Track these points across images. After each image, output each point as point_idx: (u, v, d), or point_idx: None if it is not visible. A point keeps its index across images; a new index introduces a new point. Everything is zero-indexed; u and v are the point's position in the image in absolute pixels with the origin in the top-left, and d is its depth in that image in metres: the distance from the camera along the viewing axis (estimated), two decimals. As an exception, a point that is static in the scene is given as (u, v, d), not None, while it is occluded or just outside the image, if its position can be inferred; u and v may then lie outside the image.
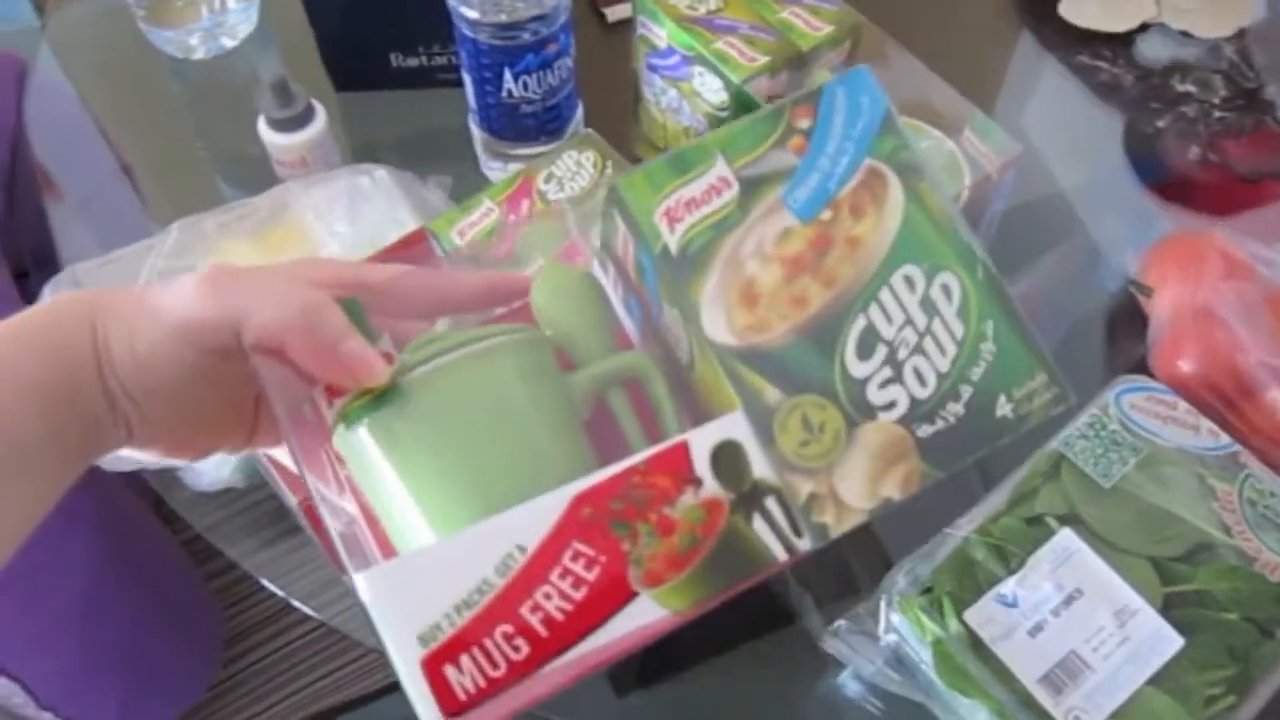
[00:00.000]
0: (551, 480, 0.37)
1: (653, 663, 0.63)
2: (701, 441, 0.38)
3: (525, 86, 0.68)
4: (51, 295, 0.65)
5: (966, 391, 0.40)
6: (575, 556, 0.36)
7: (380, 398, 0.39)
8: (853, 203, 0.40)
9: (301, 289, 0.39)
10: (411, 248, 0.59)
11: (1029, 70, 0.93)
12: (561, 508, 0.37)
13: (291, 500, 0.55)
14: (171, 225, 0.66)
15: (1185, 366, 0.66)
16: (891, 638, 0.57)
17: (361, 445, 0.39)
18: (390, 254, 0.59)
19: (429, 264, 0.59)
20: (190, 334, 0.39)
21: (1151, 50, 0.92)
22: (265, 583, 0.67)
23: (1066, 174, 0.85)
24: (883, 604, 0.58)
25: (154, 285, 0.40)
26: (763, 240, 0.40)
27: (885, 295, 0.40)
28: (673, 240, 0.40)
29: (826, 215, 0.40)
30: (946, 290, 0.40)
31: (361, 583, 0.36)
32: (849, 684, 0.61)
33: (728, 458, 0.38)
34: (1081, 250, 0.81)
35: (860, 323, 0.40)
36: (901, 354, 0.40)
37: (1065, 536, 0.57)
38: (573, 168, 0.60)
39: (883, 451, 0.39)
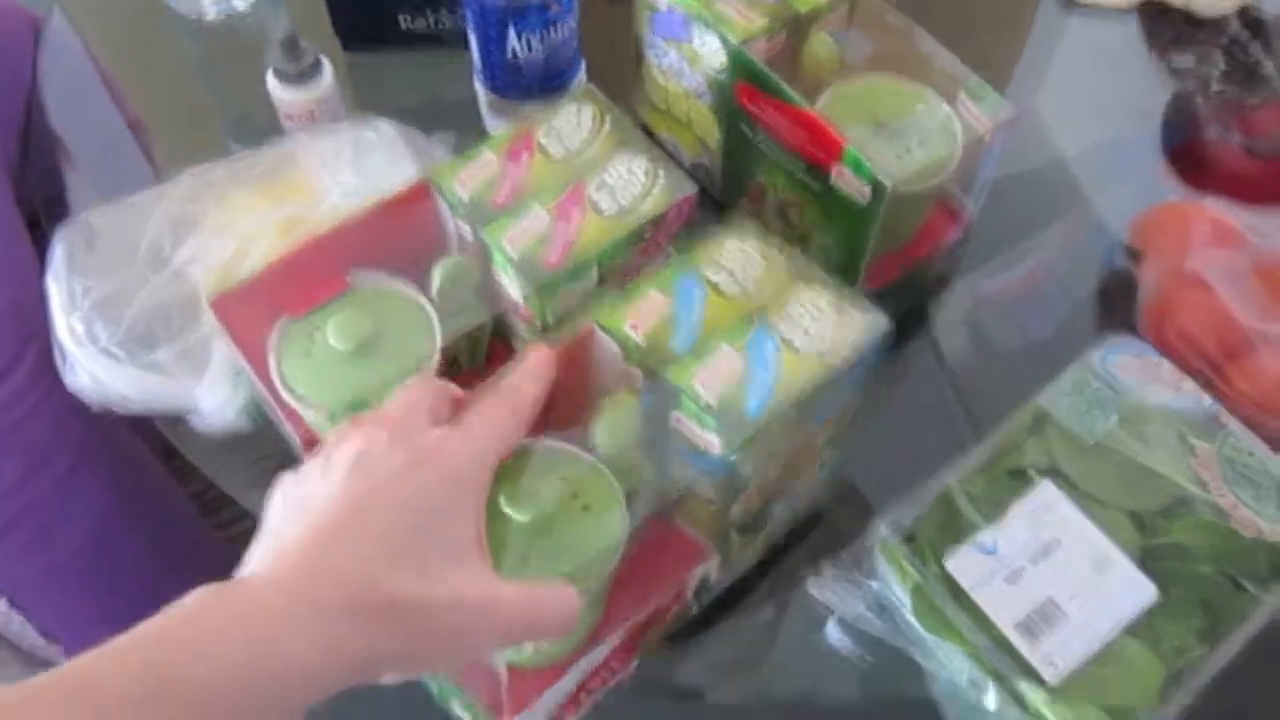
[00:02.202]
0: None
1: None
2: None
3: (529, 45, 0.69)
4: (62, 242, 0.67)
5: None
6: None
7: None
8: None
9: None
10: (413, 198, 0.60)
11: (1032, 36, 0.93)
12: None
13: (293, 435, 0.57)
14: (183, 172, 0.68)
15: (1171, 329, 0.67)
16: (875, 584, 0.59)
17: None
18: (392, 202, 0.60)
19: (428, 211, 0.60)
20: None
21: (1155, 24, 0.92)
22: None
23: (1068, 142, 0.86)
24: (867, 551, 0.59)
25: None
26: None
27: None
28: None
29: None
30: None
31: None
32: (834, 633, 0.63)
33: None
34: (1085, 221, 0.82)
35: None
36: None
37: (1046, 487, 0.59)
38: (572, 121, 0.61)
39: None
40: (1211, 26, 0.91)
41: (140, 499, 0.81)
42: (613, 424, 0.50)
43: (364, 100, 0.85)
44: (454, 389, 0.49)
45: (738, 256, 0.55)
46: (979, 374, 0.74)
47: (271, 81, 0.76)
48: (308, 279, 0.59)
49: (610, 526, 0.48)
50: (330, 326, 0.58)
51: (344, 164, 0.65)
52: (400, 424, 0.45)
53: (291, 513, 0.43)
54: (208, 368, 0.64)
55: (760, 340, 0.52)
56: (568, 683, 0.53)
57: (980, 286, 0.78)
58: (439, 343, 0.59)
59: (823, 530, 0.66)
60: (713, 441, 0.50)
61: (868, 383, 0.57)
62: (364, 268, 0.60)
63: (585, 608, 0.47)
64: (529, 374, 0.49)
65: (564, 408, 0.50)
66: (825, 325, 0.53)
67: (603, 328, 0.53)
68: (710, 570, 0.58)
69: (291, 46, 0.73)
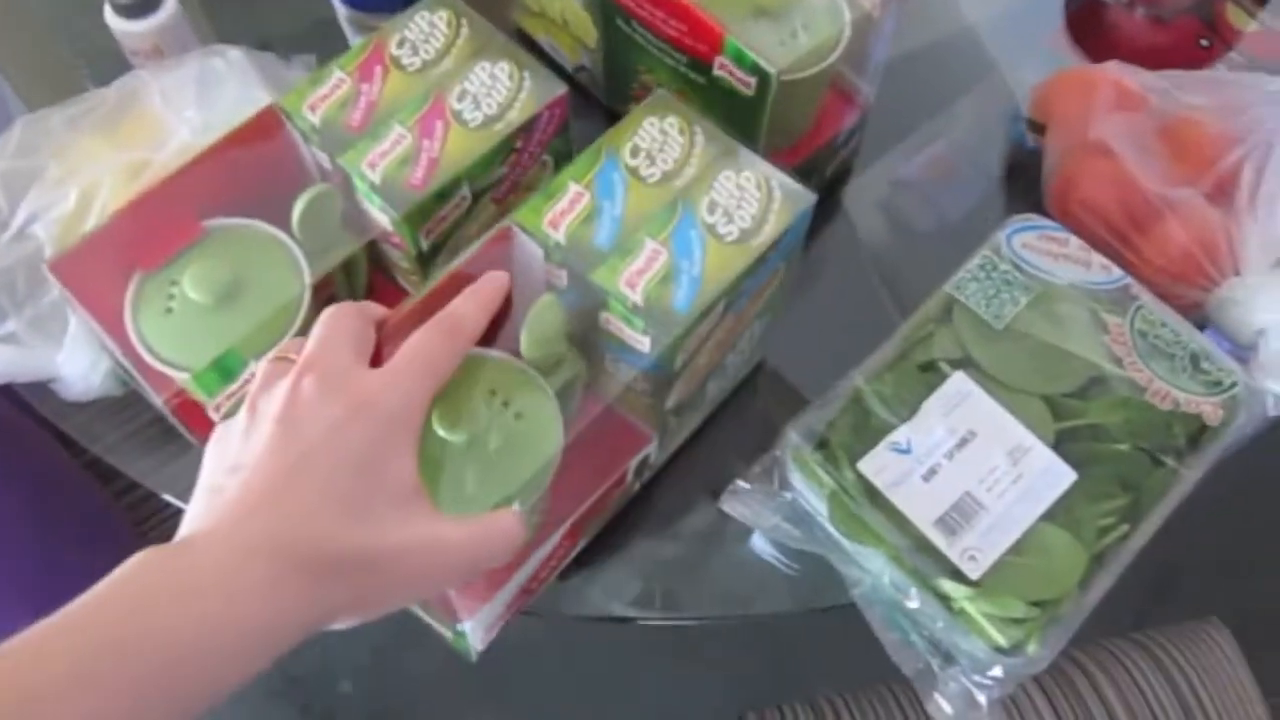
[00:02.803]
0: None
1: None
2: None
3: (380, -48, 0.64)
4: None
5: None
6: None
7: None
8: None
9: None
10: (263, 128, 0.55)
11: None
12: None
13: (158, 400, 0.53)
14: (15, 123, 0.62)
15: (1076, 202, 0.65)
16: (789, 494, 0.57)
17: None
18: (241, 135, 0.55)
19: (281, 142, 0.55)
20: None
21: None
22: (168, 498, 0.65)
23: (968, 13, 0.83)
24: (778, 460, 0.57)
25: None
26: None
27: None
28: None
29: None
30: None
31: None
32: (759, 543, 0.61)
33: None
34: (996, 95, 0.79)
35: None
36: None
37: (958, 380, 0.57)
38: (425, 29, 0.56)
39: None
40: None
41: (23, 479, 0.76)
42: (539, 329, 0.47)
43: (223, 29, 0.79)
44: (375, 309, 0.46)
45: (656, 137, 0.53)
46: (899, 257, 0.72)
47: (109, 15, 0.69)
48: (158, 228, 0.54)
49: (547, 436, 0.46)
50: (187, 278, 0.53)
51: (189, 99, 0.60)
52: (326, 364, 0.42)
53: (227, 470, 0.41)
54: (66, 332, 0.59)
55: (685, 231, 0.50)
56: (518, 578, 0.53)
57: (895, 170, 0.76)
58: (308, 281, 0.55)
59: (754, 412, 0.66)
60: (642, 341, 0.49)
61: (794, 255, 0.56)
62: (219, 210, 0.56)
63: (529, 512, 0.45)
64: (477, 301, 0.46)
65: None
66: (750, 205, 0.51)
67: (522, 228, 0.50)
68: (650, 452, 0.57)
69: (123, -26, 0.67)
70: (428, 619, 0.55)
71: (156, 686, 0.35)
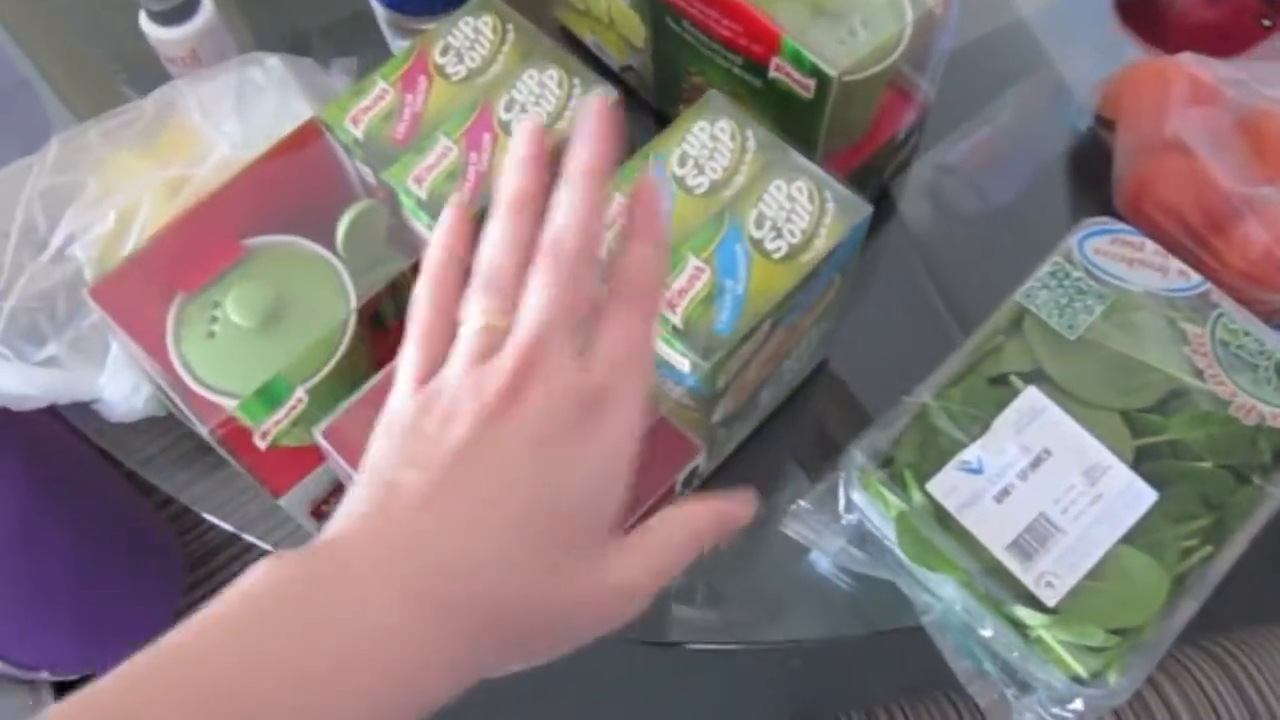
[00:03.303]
0: None
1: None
2: None
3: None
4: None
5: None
6: None
7: None
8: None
9: None
10: (305, 142, 0.54)
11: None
12: None
13: (203, 429, 0.52)
14: (52, 139, 0.61)
15: (1151, 202, 0.62)
16: (853, 516, 0.55)
17: None
18: (282, 150, 0.53)
19: (323, 156, 0.54)
20: None
21: None
22: (206, 515, 0.64)
23: (1019, 4, 0.80)
24: (841, 481, 0.55)
25: None
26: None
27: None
28: None
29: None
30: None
31: None
32: (821, 561, 0.59)
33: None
34: (1048, 85, 0.77)
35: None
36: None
37: (1030, 395, 0.54)
38: (470, 36, 0.54)
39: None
40: None
41: (68, 491, 0.76)
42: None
43: (260, 31, 0.77)
44: (594, 288, 0.37)
45: (706, 143, 0.51)
46: (946, 245, 0.70)
47: (145, 22, 0.68)
48: (198, 249, 0.53)
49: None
50: (230, 301, 0.52)
51: (227, 110, 0.58)
52: (551, 368, 0.35)
53: (406, 462, 0.34)
54: (108, 354, 0.58)
55: (730, 246, 0.48)
56: None
57: (941, 156, 0.74)
58: (354, 302, 0.53)
59: (810, 417, 0.64)
60: (682, 363, 0.47)
61: (852, 265, 0.54)
62: (261, 227, 0.54)
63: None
64: (659, 256, 0.39)
65: None
66: (801, 219, 0.49)
67: None
68: (699, 462, 0.55)
69: (158, -20, 0.66)
70: None
71: None
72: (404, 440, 0.35)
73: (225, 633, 0.31)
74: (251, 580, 0.32)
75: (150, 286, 0.52)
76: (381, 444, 0.36)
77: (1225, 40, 0.77)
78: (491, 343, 0.36)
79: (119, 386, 0.57)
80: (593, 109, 0.39)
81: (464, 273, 0.39)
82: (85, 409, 0.62)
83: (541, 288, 0.36)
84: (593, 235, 0.37)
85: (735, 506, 0.38)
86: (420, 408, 0.36)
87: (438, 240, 0.41)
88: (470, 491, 0.33)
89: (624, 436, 0.35)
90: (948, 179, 0.73)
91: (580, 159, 0.38)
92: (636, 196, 0.40)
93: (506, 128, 0.53)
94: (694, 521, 0.37)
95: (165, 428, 0.63)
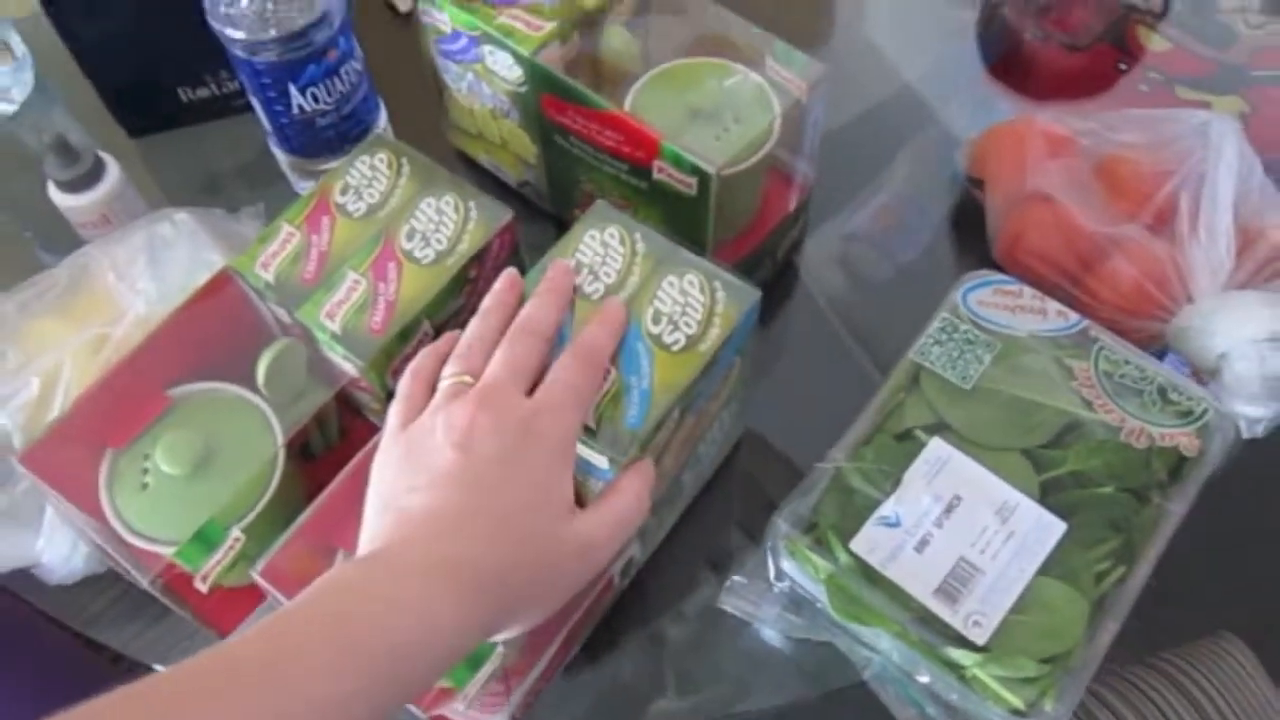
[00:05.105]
0: None
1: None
2: None
3: (315, 99, 0.65)
4: None
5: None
6: None
7: None
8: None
9: None
10: (219, 290, 0.56)
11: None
12: None
13: (144, 579, 0.53)
14: (-36, 315, 0.62)
15: (1024, 252, 0.66)
16: (785, 583, 0.57)
17: None
18: (197, 301, 0.56)
19: (238, 302, 0.56)
20: None
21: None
22: (155, 666, 0.64)
23: (895, 75, 0.85)
24: (769, 551, 0.57)
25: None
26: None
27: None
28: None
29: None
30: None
31: None
32: (765, 631, 0.61)
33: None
34: (934, 143, 0.82)
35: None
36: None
37: (936, 446, 0.57)
38: (367, 174, 0.57)
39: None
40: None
41: (16, 658, 0.75)
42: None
43: (168, 186, 0.80)
44: (534, 345, 0.50)
45: (598, 250, 0.54)
46: (859, 308, 0.74)
47: (53, 190, 0.70)
48: (124, 405, 0.54)
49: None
50: (159, 452, 0.53)
51: (141, 268, 0.60)
52: (499, 399, 0.47)
53: (406, 489, 0.46)
54: (44, 517, 0.59)
55: (631, 345, 0.51)
56: (514, 698, 0.54)
57: (844, 225, 0.78)
58: (280, 438, 0.55)
59: (744, 488, 0.67)
60: (600, 459, 0.49)
61: (749, 347, 0.57)
62: (184, 377, 0.56)
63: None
64: (607, 329, 0.50)
65: None
66: (694, 310, 0.52)
67: None
68: (633, 551, 0.58)
69: (63, 150, 0.68)
70: None
71: (387, 677, 0.40)
72: (399, 474, 0.47)
73: (326, 606, 0.41)
74: (324, 579, 0.42)
75: (80, 447, 0.54)
76: (383, 478, 0.48)
77: (1087, 85, 0.83)
78: (459, 393, 0.48)
79: (57, 548, 0.58)
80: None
81: (438, 367, 0.51)
82: (25, 575, 0.63)
83: (499, 352, 0.49)
84: (548, 324, 0.50)
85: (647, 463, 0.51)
86: (406, 447, 0.48)
87: (423, 352, 0.52)
88: (460, 503, 0.45)
89: (563, 436, 0.47)
90: (853, 246, 0.77)
91: (546, 283, 0.52)
92: (609, 308, 0.52)
93: (409, 256, 0.55)
94: (626, 482, 0.49)
95: (107, 584, 0.63)
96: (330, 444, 0.59)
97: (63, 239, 0.72)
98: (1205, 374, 0.62)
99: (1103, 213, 0.65)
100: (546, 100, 0.64)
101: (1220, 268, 0.62)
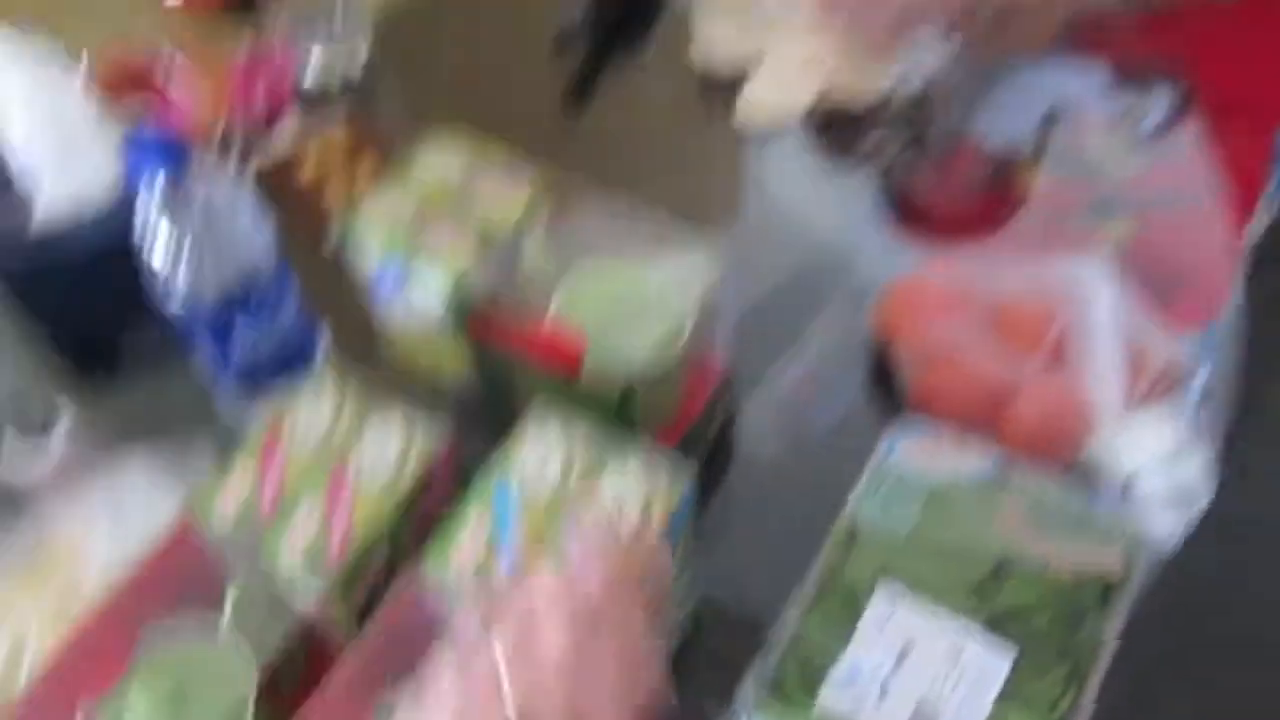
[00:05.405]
0: None
1: None
2: None
3: (254, 344, 0.69)
4: None
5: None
6: None
7: None
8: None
9: None
10: (180, 535, 0.58)
11: (734, 171, 0.99)
12: None
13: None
14: (-73, 590, 0.63)
15: (938, 404, 0.71)
16: (759, 749, 0.58)
17: None
18: (158, 551, 0.58)
19: (198, 546, 0.58)
20: None
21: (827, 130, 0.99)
22: None
23: (802, 244, 0.89)
24: (743, 715, 0.59)
25: None
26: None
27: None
28: None
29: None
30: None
31: None
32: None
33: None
34: (851, 299, 0.84)
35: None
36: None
37: (880, 598, 0.60)
38: (313, 409, 0.61)
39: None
40: (872, 113, 0.97)
41: None
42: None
43: (123, 430, 0.81)
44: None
45: (540, 454, 0.57)
46: (799, 469, 0.76)
47: (5, 464, 0.72)
48: (93, 663, 0.55)
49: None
50: (132, 705, 0.54)
51: (100, 522, 0.62)
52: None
53: None
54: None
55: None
56: None
57: (772, 392, 0.81)
58: (253, 677, 0.56)
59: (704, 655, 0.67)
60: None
61: (687, 529, 0.59)
62: (151, 625, 0.57)
63: None
64: None
65: None
66: (634, 503, 0.55)
67: (428, 572, 0.54)
68: None
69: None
70: None
71: None
72: None
73: None
74: None
75: (52, 710, 0.54)
76: None
77: (980, 228, 0.89)
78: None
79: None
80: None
81: None
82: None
83: None
84: None
85: None
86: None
87: None
88: None
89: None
90: (783, 413, 0.80)
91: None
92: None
93: (360, 485, 0.58)
94: None
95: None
96: (299, 680, 0.60)
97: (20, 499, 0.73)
98: (1121, 493, 0.67)
99: (1006, 360, 0.70)
100: (472, 321, 0.68)
101: (1114, 397, 0.67)
